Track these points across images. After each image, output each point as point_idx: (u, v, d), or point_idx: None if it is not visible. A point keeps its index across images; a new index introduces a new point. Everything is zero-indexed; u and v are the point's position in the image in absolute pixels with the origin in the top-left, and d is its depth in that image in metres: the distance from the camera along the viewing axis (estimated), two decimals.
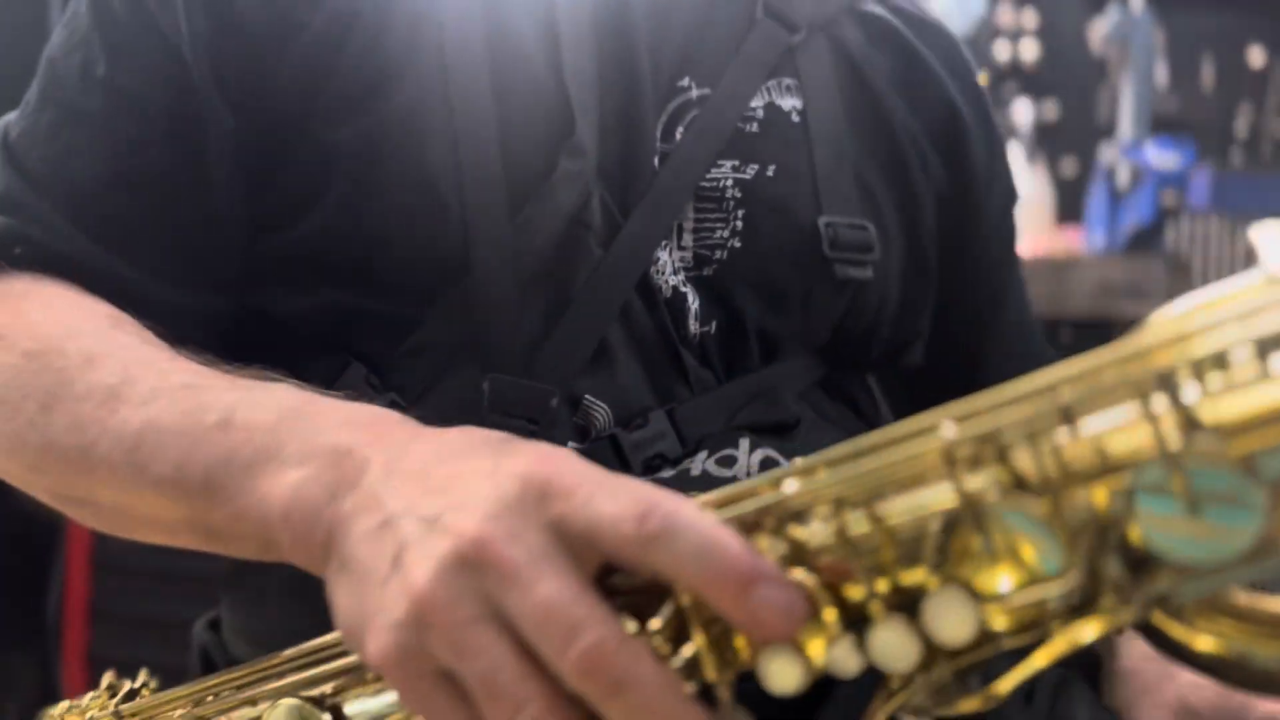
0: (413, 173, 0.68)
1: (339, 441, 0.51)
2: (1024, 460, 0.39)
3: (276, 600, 0.71)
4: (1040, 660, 0.40)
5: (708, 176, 0.72)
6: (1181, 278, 2.18)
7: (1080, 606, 0.39)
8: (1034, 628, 0.39)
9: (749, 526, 0.43)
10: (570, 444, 0.67)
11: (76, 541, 2.14)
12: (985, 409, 0.40)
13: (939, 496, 0.40)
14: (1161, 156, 2.29)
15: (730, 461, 0.70)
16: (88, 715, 0.63)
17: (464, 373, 0.67)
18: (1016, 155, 2.45)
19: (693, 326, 0.71)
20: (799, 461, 0.43)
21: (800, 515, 0.42)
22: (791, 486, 0.42)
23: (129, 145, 0.70)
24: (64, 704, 0.65)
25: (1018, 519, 0.39)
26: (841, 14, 0.80)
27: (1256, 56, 2.53)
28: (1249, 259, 2.36)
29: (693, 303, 0.71)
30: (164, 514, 0.58)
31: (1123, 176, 2.38)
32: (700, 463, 0.69)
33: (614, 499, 0.43)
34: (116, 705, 0.61)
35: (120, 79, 0.70)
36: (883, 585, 0.41)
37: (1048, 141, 2.55)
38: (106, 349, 0.62)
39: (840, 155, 0.76)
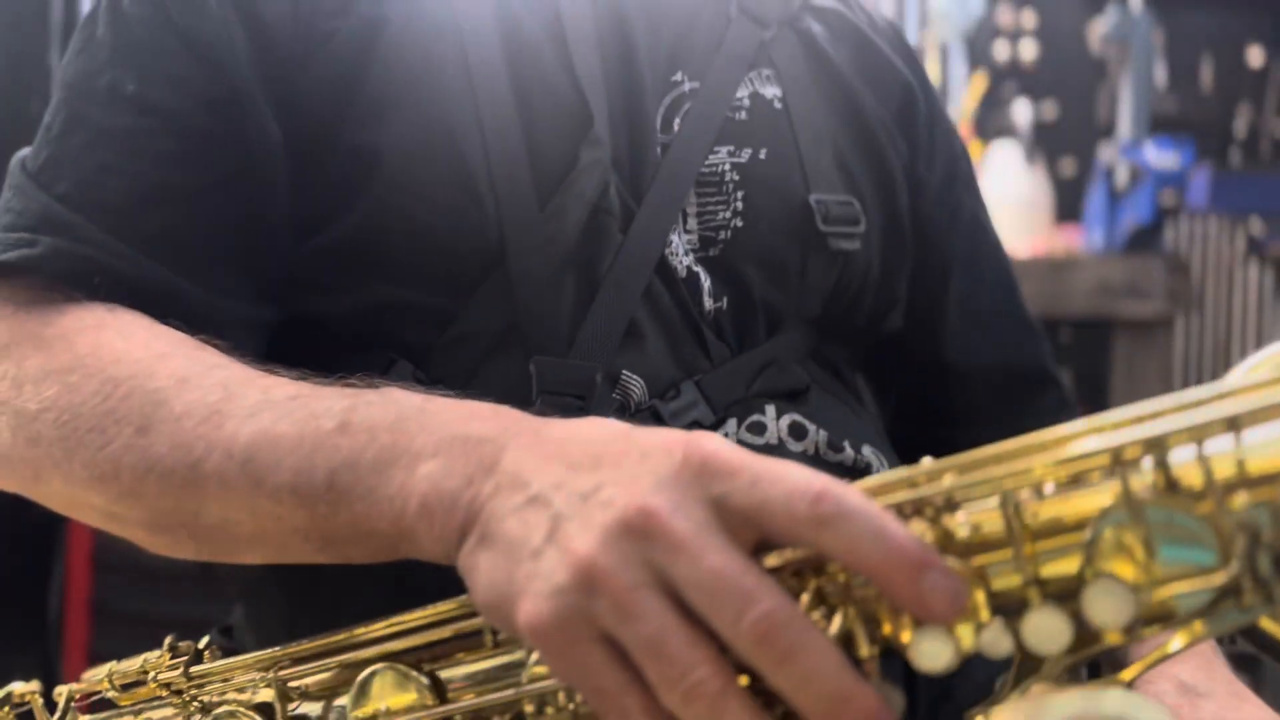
0: (449, 169, 0.71)
1: (469, 432, 0.52)
2: (1183, 465, 0.43)
3: (311, 606, 0.72)
4: (1182, 644, 0.44)
5: (706, 162, 0.77)
6: (1180, 277, 2.19)
7: (1219, 600, 0.42)
8: (1171, 619, 0.43)
9: (907, 514, 0.45)
10: (612, 418, 0.69)
11: (77, 540, 2.15)
12: (1147, 415, 0.43)
13: (1096, 494, 0.44)
14: (1160, 156, 2.29)
15: (760, 428, 0.75)
16: (152, 675, 0.62)
17: (506, 358, 0.71)
18: (1015, 155, 2.45)
19: (708, 303, 0.76)
20: (928, 462, 0.46)
21: (954, 506, 0.45)
22: (950, 480, 0.45)
23: (166, 160, 0.70)
24: (107, 666, 0.65)
25: (1178, 517, 0.42)
26: (802, 10, 0.86)
27: (1256, 56, 2.54)
28: (1247, 258, 2.36)
29: (705, 281, 0.76)
30: (277, 525, 0.57)
31: (1122, 176, 2.38)
32: (733, 433, 0.73)
33: (781, 481, 0.44)
34: (186, 666, 0.61)
35: (152, 96, 0.70)
36: (1039, 573, 0.44)
37: (1046, 141, 2.55)
38: (198, 369, 0.62)
39: (820, 137, 0.82)
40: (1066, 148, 2.58)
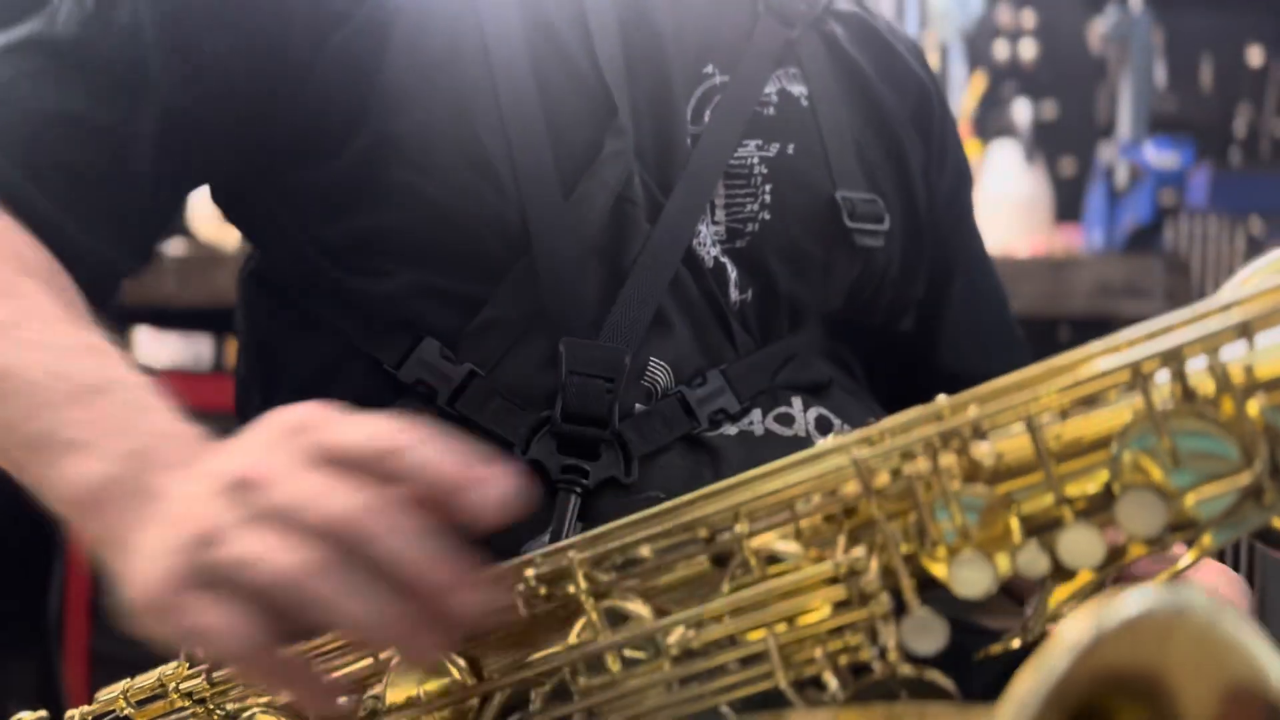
0: (469, 156, 0.72)
1: (141, 446, 0.55)
2: (1199, 374, 0.44)
3: None
4: (1191, 559, 0.45)
5: (735, 155, 0.78)
6: (1180, 277, 2.18)
7: (1241, 502, 0.44)
8: (1194, 526, 0.45)
9: (936, 447, 0.47)
10: (638, 405, 0.72)
11: (78, 540, 2.14)
12: (1159, 330, 0.45)
13: (1118, 410, 0.45)
14: (1160, 156, 2.29)
15: (788, 420, 0.76)
16: (173, 686, 0.62)
17: (533, 343, 0.72)
18: (1015, 155, 2.45)
19: (734, 294, 0.77)
20: (944, 398, 0.48)
21: (981, 435, 0.47)
22: (974, 410, 0.47)
23: (78, 91, 0.72)
24: (121, 684, 0.65)
25: (1199, 425, 0.44)
26: (826, 13, 0.88)
27: (1255, 56, 2.53)
28: (1247, 258, 2.36)
29: (732, 272, 0.77)
30: None
31: (1121, 176, 2.38)
32: (760, 423, 0.73)
33: (360, 420, 0.49)
34: (209, 672, 0.61)
35: (94, 32, 0.72)
36: (1068, 491, 0.46)
37: (1046, 141, 2.55)
38: (7, 288, 0.66)
39: (844, 135, 0.83)
40: (1066, 147, 2.57)
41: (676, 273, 0.75)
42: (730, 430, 0.74)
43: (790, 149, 0.80)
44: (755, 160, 0.78)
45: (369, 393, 0.73)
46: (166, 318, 2.21)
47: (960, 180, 0.93)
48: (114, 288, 0.77)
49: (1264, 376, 0.44)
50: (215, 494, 0.48)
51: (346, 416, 0.49)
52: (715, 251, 0.77)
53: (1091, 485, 0.46)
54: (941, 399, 0.48)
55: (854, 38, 0.88)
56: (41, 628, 2.13)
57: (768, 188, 0.78)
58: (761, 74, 0.81)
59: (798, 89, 0.82)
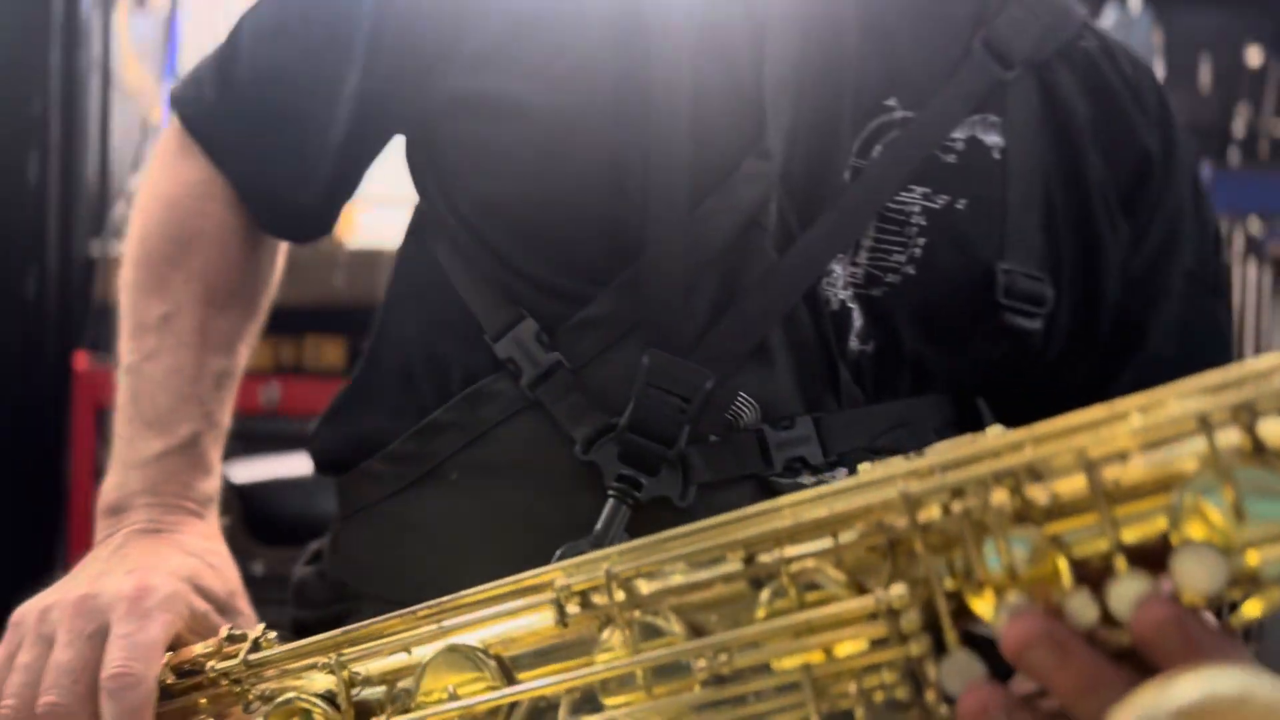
0: (599, 148, 0.71)
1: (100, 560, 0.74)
2: (1269, 427, 0.42)
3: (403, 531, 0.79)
4: (1253, 612, 0.43)
5: (896, 199, 0.72)
6: None
7: None
8: (1255, 584, 0.42)
9: (989, 485, 0.45)
10: (713, 436, 0.70)
11: (78, 539, 2.14)
12: (1231, 382, 0.43)
13: (1178, 459, 0.43)
14: None
15: None
16: (209, 667, 0.63)
17: (629, 351, 0.70)
18: None
19: (853, 343, 0.73)
20: (999, 429, 0.46)
21: (1037, 475, 0.45)
22: (1031, 450, 0.45)
23: (296, 58, 0.80)
24: (167, 655, 0.67)
25: (1268, 479, 0.41)
26: (1056, 56, 0.78)
27: (1254, 56, 2.54)
28: (1246, 258, 2.36)
29: (856, 320, 0.72)
30: None
31: None
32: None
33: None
34: (245, 655, 0.62)
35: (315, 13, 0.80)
36: (1123, 538, 0.44)
37: None
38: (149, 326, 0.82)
39: (1032, 201, 0.75)
40: None
41: (794, 309, 0.71)
42: (807, 480, 0.70)
43: (960, 204, 0.73)
44: (917, 209, 0.72)
45: (468, 357, 0.75)
46: None
47: (1160, 262, 0.80)
48: (302, 228, 0.84)
49: None
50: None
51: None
52: (845, 295, 0.72)
53: (1148, 532, 0.44)
54: (997, 433, 0.46)
55: (1082, 89, 0.79)
56: None
57: (921, 241, 0.72)
58: (953, 116, 0.73)
59: (992, 139, 0.75)
